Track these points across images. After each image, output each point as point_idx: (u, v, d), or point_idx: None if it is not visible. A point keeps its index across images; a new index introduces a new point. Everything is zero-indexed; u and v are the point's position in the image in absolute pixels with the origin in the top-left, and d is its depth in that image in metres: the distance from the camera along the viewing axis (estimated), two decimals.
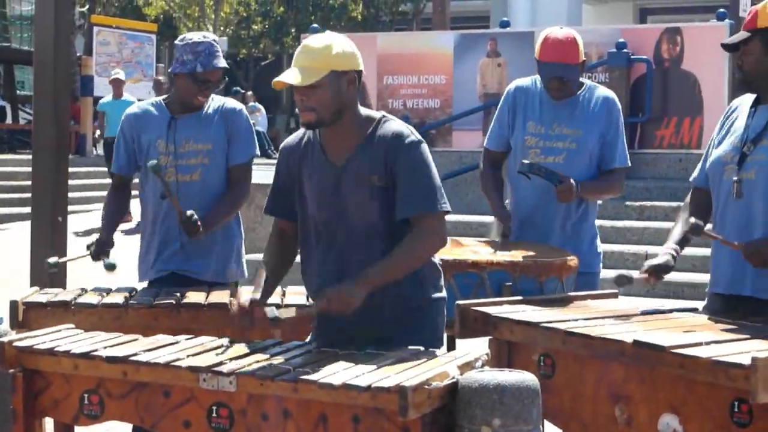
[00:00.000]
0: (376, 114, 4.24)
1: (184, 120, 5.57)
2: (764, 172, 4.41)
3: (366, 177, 4.13)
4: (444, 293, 4.32)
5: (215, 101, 5.64)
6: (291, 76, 4.08)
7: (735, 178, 4.47)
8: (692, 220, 4.50)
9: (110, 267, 5.51)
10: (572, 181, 5.40)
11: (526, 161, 5.48)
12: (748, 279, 4.46)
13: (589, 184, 5.56)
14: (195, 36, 5.58)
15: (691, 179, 4.85)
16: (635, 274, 4.70)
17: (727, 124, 4.68)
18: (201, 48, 5.50)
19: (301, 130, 4.34)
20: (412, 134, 4.17)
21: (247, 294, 4.24)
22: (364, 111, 4.22)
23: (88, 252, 5.60)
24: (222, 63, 5.56)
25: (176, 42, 5.62)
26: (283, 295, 5.08)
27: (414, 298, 4.20)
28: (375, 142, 4.15)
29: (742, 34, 4.53)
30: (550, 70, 5.52)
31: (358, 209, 4.16)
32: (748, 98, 4.65)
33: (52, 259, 5.89)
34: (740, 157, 4.48)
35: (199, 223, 5.33)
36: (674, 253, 4.73)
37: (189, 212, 5.31)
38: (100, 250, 5.58)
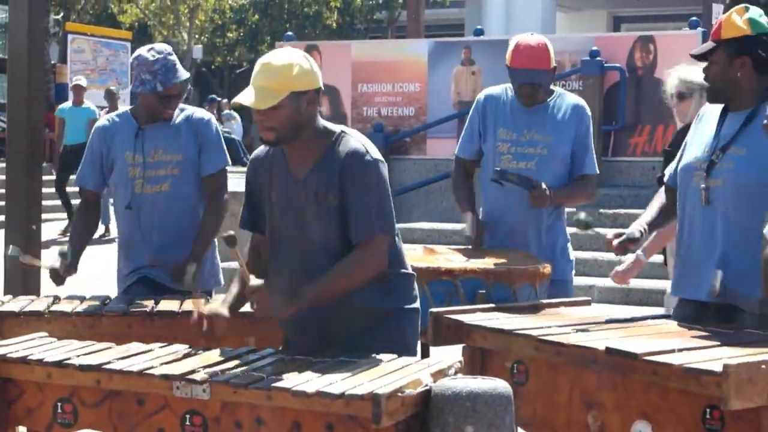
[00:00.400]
0: (336, 128, 4.21)
1: (152, 130, 5.53)
2: (732, 180, 4.44)
3: (323, 194, 4.13)
4: (417, 304, 4.31)
5: (184, 111, 5.60)
6: (249, 98, 4.05)
7: (703, 185, 4.49)
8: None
9: (63, 255, 5.39)
10: (545, 186, 5.42)
11: (498, 168, 5.50)
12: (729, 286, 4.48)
13: (562, 189, 5.58)
14: (149, 54, 5.49)
15: (666, 177, 4.86)
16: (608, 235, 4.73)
17: (698, 130, 4.71)
18: (157, 66, 5.44)
19: None
20: (368, 153, 4.13)
21: (215, 303, 4.26)
22: (324, 125, 4.20)
23: (52, 270, 5.48)
24: (182, 75, 5.51)
25: (131, 61, 5.56)
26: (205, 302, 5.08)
27: (381, 308, 4.19)
28: (332, 159, 4.14)
29: (708, 45, 4.58)
30: (522, 77, 5.54)
31: (315, 225, 4.16)
32: (716, 106, 4.68)
33: (14, 251, 5.81)
34: (708, 165, 4.51)
35: (181, 268, 5.34)
36: (642, 230, 4.75)
37: (175, 270, 5.33)
38: (63, 274, 5.47)
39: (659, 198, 4.88)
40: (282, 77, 4.04)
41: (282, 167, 4.22)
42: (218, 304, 4.33)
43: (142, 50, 5.54)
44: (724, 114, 4.60)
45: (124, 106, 6.45)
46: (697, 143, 4.65)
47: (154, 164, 5.51)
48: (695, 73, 5.96)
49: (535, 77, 5.52)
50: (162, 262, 5.45)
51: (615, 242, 4.70)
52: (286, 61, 4.07)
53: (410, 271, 4.32)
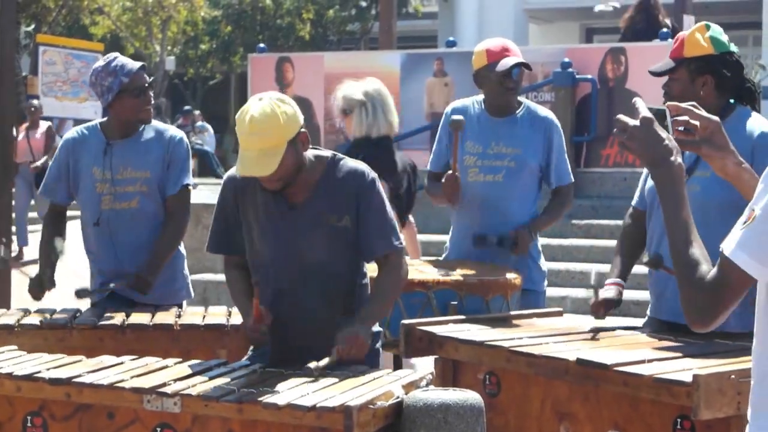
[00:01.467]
0: (326, 153, 4.27)
1: (121, 146, 5.48)
2: (698, 202, 4.44)
3: (326, 216, 4.17)
4: (378, 327, 4.36)
5: (152, 128, 5.55)
6: (256, 168, 4.03)
7: None
8: (653, 254, 4.56)
9: (83, 293, 5.36)
10: (521, 231, 5.46)
11: (476, 235, 5.53)
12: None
13: (538, 221, 5.64)
14: (98, 62, 5.51)
15: (633, 203, 4.89)
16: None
17: None
18: (112, 66, 5.42)
19: None
20: (370, 172, 4.23)
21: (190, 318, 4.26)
22: (311, 151, 4.23)
23: (32, 285, 5.47)
24: (137, 64, 5.49)
25: (89, 79, 5.50)
26: (229, 314, 5.07)
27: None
28: (335, 182, 4.19)
29: (668, 63, 4.60)
30: (510, 61, 5.53)
31: (308, 248, 4.18)
32: None
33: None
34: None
35: (145, 278, 5.30)
36: (619, 288, 4.79)
37: (135, 280, 5.29)
38: (40, 290, 5.45)
39: (626, 238, 4.89)
40: (275, 134, 4.03)
41: (268, 194, 4.20)
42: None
43: (94, 65, 5.54)
44: None
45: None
46: None
47: (123, 181, 5.44)
48: (355, 89, 6.04)
49: (522, 63, 5.53)
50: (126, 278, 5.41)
51: (593, 309, 4.75)
52: (269, 113, 4.02)
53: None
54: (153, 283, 5.32)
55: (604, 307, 4.72)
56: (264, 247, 4.23)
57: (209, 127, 27.98)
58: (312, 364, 3.89)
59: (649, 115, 2.75)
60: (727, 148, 2.99)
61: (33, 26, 29.96)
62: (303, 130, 4.14)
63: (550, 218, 5.76)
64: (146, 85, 5.46)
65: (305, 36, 32.90)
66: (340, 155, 4.28)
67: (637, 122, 2.74)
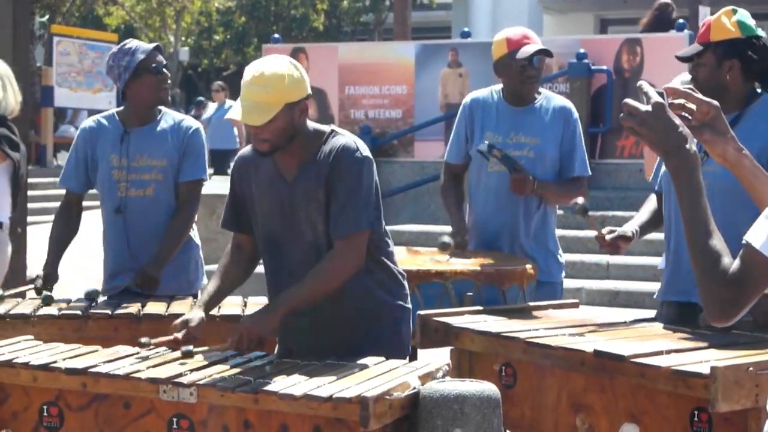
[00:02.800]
0: (326, 128, 4.23)
1: (137, 133, 5.51)
2: (717, 184, 4.42)
3: (314, 192, 4.14)
4: (409, 303, 4.33)
5: (170, 117, 5.58)
6: (244, 114, 4.03)
7: None
8: (581, 200, 4.57)
9: (47, 300, 5.24)
10: (529, 175, 5.42)
11: (486, 142, 5.48)
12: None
13: (548, 183, 5.56)
14: (115, 48, 5.56)
15: (652, 182, 4.89)
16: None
17: None
18: (127, 47, 5.48)
19: None
20: (358, 150, 4.14)
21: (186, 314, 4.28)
22: (314, 126, 4.21)
23: (33, 286, 5.45)
24: (152, 45, 5.55)
25: (106, 64, 5.52)
26: (245, 305, 5.07)
27: (373, 308, 4.20)
28: (322, 157, 4.15)
29: (696, 47, 4.59)
30: (531, 49, 5.51)
31: (307, 224, 4.17)
32: None
33: None
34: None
35: (150, 275, 5.31)
36: (634, 231, 4.77)
37: (137, 279, 5.30)
38: (44, 285, 5.44)
39: (650, 202, 4.89)
40: (275, 90, 4.03)
41: (270, 169, 4.23)
42: (190, 311, 4.33)
43: (110, 53, 5.57)
44: None
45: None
46: None
47: (139, 168, 5.48)
48: None
49: (544, 50, 5.52)
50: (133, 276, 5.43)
51: (607, 237, 4.71)
52: (277, 72, 4.05)
53: (401, 270, 4.34)
54: (159, 279, 5.33)
55: (618, 239, 4.70)
56: (268, 221, 4.24)
57: None
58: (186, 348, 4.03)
59: (661, 99, 2.67)
60: (728, 133, 2.95)
61: (47, 17, 30.02)
62: (305, 100, 4.13)
63: (559, 189, 5.62)
64: (161, 62, 5.48)
65: (319, 27, 32.92)
66: (338, 131, 4.22)
67: (648, 107, 2.67)
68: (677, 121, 2.64)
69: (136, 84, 5.46)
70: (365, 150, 4.17)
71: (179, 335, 4.16)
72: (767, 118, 4.49)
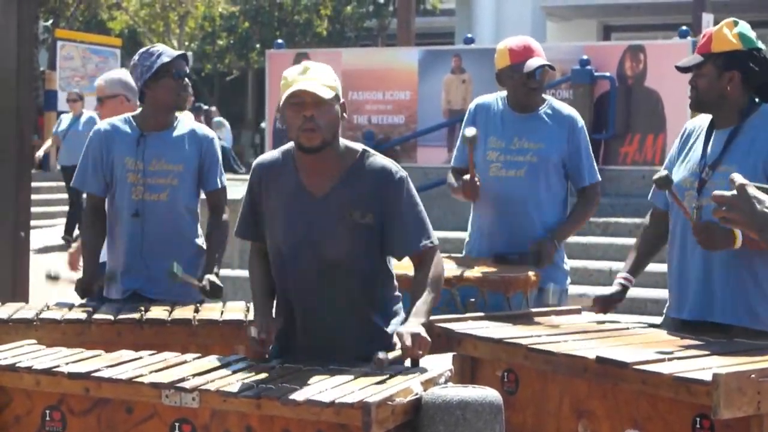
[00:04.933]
0: (357, 146, 4.22)
1: (154, 138, 5.51)
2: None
3: (348, 211, 4.12)
4: (403, 315, 4.33)
5: (186, 123, 5.60)
6: (316, 86, 4.02)
7: (695, 204, 4.52)
8: (662, 172, 4.52)
9: (174, 275, 5.26)
10: (543, 243, 5.44)
11: (497, 256, 5.52)
12: (716, 305, 4.52)
13: (563, 228, 5.61)
14: (140, 52, 5.57)
15: (649, 197, 4.91)
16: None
17: (684, 148, 4.73)
18: (154, 49, 5.50)
19: (276, 150, 4.30)
20: (399, 170, 4.18)
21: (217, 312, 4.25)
22: (344, 142, 4.20)
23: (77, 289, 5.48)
24: (175, 52, 5.56)
25: (132, 62, 5.54)
26: (247, 310, 5.07)
27: (377, 333, 4.19)
28: (361, 176, 4.14)
29: (696, 58, 4.59)
30: (535, 63, 5.52)
31: (330, 241, 4.13)
32: (703, 121, 4.70)
33: (54, 272, 5.72)
34: (699, 183, 4.53)
35: (218, 284, 5.37)
36: (625, 283, 4.83)
37: (205, 282, 5.34)
38: (88, 288, 5.45)
39: (642, 237, 4.93)
40: (330, 77, 4.10)
41: (293, 182, 4.19)
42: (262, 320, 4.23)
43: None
44: (710, 131, 4.62)
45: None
46: (685, 162, 4.67)
47: (154, 173, 5.48)
48: None
49: (548, 65, 5.53)
50: (155, 271, 5.43)
51: (597, 305, 4.78)
52: (324, 67, 4.13)
53: (398, 293, 4.35)
54: (222, 287, 5.42)
55: (601, 309, 4.79)
56: (285, 235, 4.19)
57: (226, 122, 28.04)
58: (381, 354, 3.84)
59: (744, 180, 2.69)
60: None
61: (51, 21, 30.07)
62: (344, 101, 4.17)
63: (575, 223, 5.70)
64: (183, 69, 5.50)
65: (323, 32, 32.94)
66: (371, 151, 4.22)
67: (733, 191, 2.69)
68: (762, 196, 2.66)
69: (156, 86, 5.46)
70: (402, 169, 4.23)
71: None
72: (766, 131, 4.49)
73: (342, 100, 4.15)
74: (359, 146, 4.23)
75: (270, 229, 4.25)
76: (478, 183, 5.55)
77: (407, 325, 4.03)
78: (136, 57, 5.54)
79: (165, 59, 5.44)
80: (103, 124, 5.66)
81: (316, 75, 4.07)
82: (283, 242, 4.20)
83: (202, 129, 5.63)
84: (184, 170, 5.51)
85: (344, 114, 4.16)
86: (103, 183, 5.57)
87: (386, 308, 4.25)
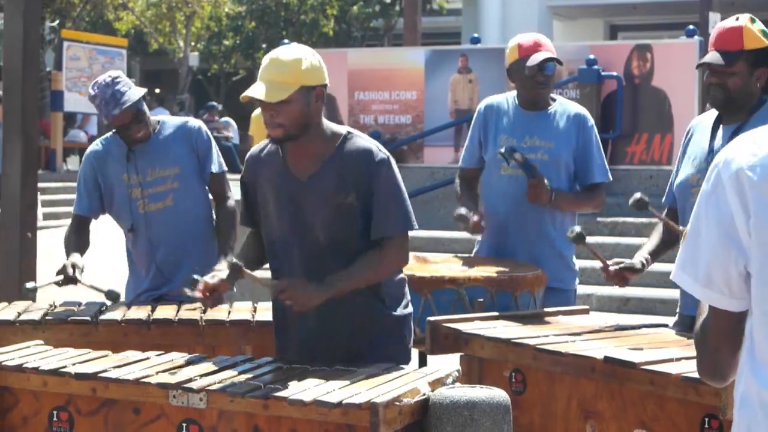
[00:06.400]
0: (342, 129, 4.22)
1: (142, 149, 5.51)
2: None
3: (331, 194, 4.12)
4: (410, 309, 4.32)
5: (169, 124, 5.60)
6: (260, 92, 4.04)
7: None
8: (636, 195, 4.54)
9: (112, 296, 5.30)
10: (546, 182, 5.41)
11: (509, 145, 5.46)
12: None
13: (565, 192, 5.55)
14: (91, 89, 5.45)
15: (663, 201, 4.89)
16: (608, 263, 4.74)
17: (690, 145, 4.71)
18: (98, 101, 5.42)
19: (266, 141, 4.34)
20: (381, 151, 4.15)
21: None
22: (329, 125, 4.21)
23: (60, 277, 5.41)
24: (123, 105, 5.36)
25: (91, 95, 5.45)
26: (254, 310, 5.08)
27: (377, 315, 4.19)
28: (342, 159, 4.14)
29: (720, 56, 4.43)
30: (540, 56, 5.50)
31: (320, 224, 4.15)
32: (706, 119, 4.67)
33: (30, 284, 5.72)
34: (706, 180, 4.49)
35: (237, 262, 5.34)
36: (644, 261, 4.76)
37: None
38: (73, 272, 5.39)
39: (663, 228, 4.87)
40: (292, 71, 4.05)
41: (279, 168, 4.22)
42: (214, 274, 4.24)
43: (94, 81, 5.50)
44: (715, 127, 4.58)
45: None
46: (691, 159, 4.65)
47: (153, 182, 5.50)
48: None
49: (553, 59, 5.51)
50: (169, 276, 5.45)
51: (612, 269, 4.69)
52: (296, 55, 4.08)
53: (403, 276, 4.33)
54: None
55: (626, 271, 4.69)
56: (277, 220, 4.23)
57: (233, 122, 28.04)
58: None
59: None
60: None
61: (57, 21, 30.09)
62: (323, 86, 4.13)
63: (576, 198, 5.62)
64: (128, 122, 5.41)
65: (329, 32, 32.95)
66: (355, 132, 4.22)
67: None
68: None
69: (118, 130, 5.48)
70: (385, 150, 4.20)
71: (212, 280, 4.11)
72: None
73: (317, 85, 4.10)
74: (343, 129, 4.24)
75: (264, 216, 4.29)
76: (483, 224, 5.54)
77: (307, 283, 4.04)
78: (92, 90, 5.42)
79: (105, 122, 5.39)
80: (93, 146, 5.68)
81: (273, 71, 4.07)
82: (277, 227, 4.23)
83: (188, 121, 5.65)
84: (181, 171, 5.52)
85: (320, 100, 4.12)
86: (98, 206, 5.62)
87: (383, 288, 4.23)
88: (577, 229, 4.76)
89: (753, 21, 4.49)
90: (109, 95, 5.37)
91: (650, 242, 4.86)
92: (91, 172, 5.59)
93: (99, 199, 5.59)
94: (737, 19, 4.50)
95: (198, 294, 4.13)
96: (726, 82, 4.48)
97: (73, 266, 5.40)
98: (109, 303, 5.24)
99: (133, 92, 5.41)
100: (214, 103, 28.39)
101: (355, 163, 4.12)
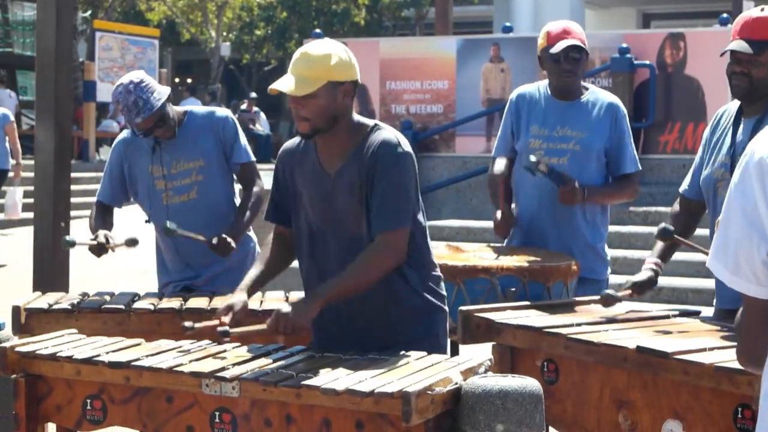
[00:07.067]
0: (369, 122, 4.22)
1: (168, 141, 5.52)
2: None
3: (356, 185, 4.13)
4: (445, 305, 4.32)
5: (197, 115, 5.60)
6: (286, 85, 4.06)
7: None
8: (662, 225, 4.55)
9: (132, 243, 5.36)
10: (577, 184, 5.40)
11: (533, 158, 5.45)
12: None
13: (597, 188, 5.54)
14: (114, 91, 5.43)
15: (681, 189, 4.88)
16: (620, 292, 4.75)
17: (713, 138, 4.69)
18: (120, 107, 5.40)
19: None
20: (400, 146, 4.13)
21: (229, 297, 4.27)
22: (358, 119, 4.21)
23: (96, 242, 5.42)
24: (145, 113, 5.34)
25: (114, 100, 5.46)
26: (286, 299, 5.09)
27: (411, 306, 4.20)
28: (365, 151, 4.14)
29: (748, 45, 4.40)
30: (564, 44, 5.48)
31: (349, 217, 4.16)
32: (732, 107, 4.64)
33: (69, 238, 5.72)
34: (731, 173, 4.48)
35: (228, 240, 5.35)
36: (656, 268, 4.78)
37: (214, 240, 5.34)
38: (105, 238, 5.40)
39: (672, 223, 4.87)
40: (320, 66, 4.06)
41: (312, 161, 4.23)
42: (233, 296, 4.32)
43: (117, 89, 5.44)
44: (737, 120, 4.56)
45: None
46: (715, 153, 4.63)
47: (178, 174, 5.52)
48: None
49: (576, 47, 5.48)
50: (195, 267, 5.47)
51: (625, 293, 4.73)
52: (325, 51, 4.09)
53: (439, 273, 4.33)
54: (233, 246, 5.40)
55: (636, 293, 4.72)
56: (313, 213, 4.24)
57: (262, 113, 28.16)
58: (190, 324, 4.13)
59: None
60: None
61: (90, 12, 30.21)
62: (352, 83, 4.13)
63: (608, 189, 5.61)
64: (152, 127, 5.41)
65: (360, 21, 32.97)
66: (381, 125, 4.22)
67: None
68: None
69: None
70: (406, 145, 4.16)
71: (225, 319, 4.16)
72: None
73: (345, 81, 4.11)
74: (371, 122, 4.23)
75: (298, 209, 4.29)
76: (509, 225, 5.58)
77: (293, 303, 4.08)
78: (115, 95, 5.40)
79: (138, 121, 5.36)
80: (122, 135, 5.71)
81: (301, 65, 4.09)
82: (313, 219, 4.24)
83: (215, 112, 5.65)
84: (206, 164, 5.53)
85: (348, 96, 4.13)
86: (122, 195, 5.66)
87: (413, 275, 4.22)
88: (662, 226, 4.72)
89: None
90: (132, 102, 5.35)
91: (659, 243, 4.85)
92: (118, 160, 5.61)
93: (122, 189, 5.62)
94: (762, 9, 4.47)
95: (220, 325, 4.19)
96: (751, 72, 4.45)
97: (106, 236, 5.43)
98: (130, 247, 5.28)
99: (156, 97, 5.38)
100: (253, 94, 28.47)
101: (374, 154, 4.12)
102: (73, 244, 5.51)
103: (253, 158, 5.68)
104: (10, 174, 15.35)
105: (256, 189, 5.61)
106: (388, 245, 4.11)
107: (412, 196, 4.15)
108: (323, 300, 4.07)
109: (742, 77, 4.47)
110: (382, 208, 4.10)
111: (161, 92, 5.42)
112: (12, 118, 15.43)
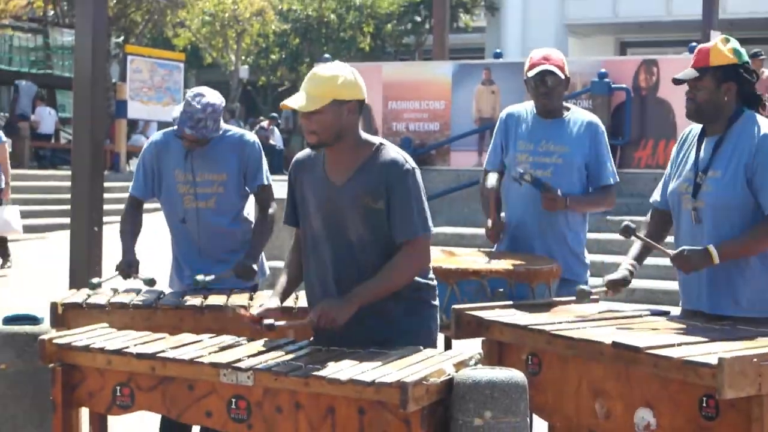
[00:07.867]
0: (375, 140, 4.22)
1: (200, 152, 5.50)
2: (711, 201, 4.47)
3: (363, 198, 4.12)
4: (437, 302, 4.32)
5: (231, 133, 5.57)
6: (297, 101, 4.08)
7: (691, 207, 4.51)
8: (624, 222, 4.57)
9: (150, 283, 5.36)
10: (559, 192, 5.41)
11: (520, 169, 5.47)
12: (703, 296, 4.51)
13: (578, 197, 5.55)
14: (191, 94, 5.46)
15: (651, 200, 4.89)
16: (597, 288, 4.76)
17: (680, 155, 4.72)
18: (183, 109, 5.40)
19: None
20: (407, 163, 4.15)
21: (262, 300, 4.26)
22: (364, 136, 4.21)
23: (118, 273, 5.46)
24: (196, 134, 5.36)
25: (187, 101, 5.44)
26: (297, 298, 5.09)
27: (406, 303, 4.19)
28: (374, 167, 4.14)
29: (693, 72, 4.53)
30: (539, 69, 5.50)
31: (351, 226, 4.15)
32: (696, 128, 4.69)
33: (95, 280, 5.73)
34: (694, 188, 4.52)
35: (249, 265, 5.38)
36: (631, 268, 4.78)
37: (240, 268, 5.36)
38: (129, 269, 5.44)
39: (647, 230, 4.87)
40: (326, 86, 4.07)
41: (320, 172, 4.23)
42: (267, 298, 4.33)
43: (195, 94, 5.46)
44: (701, 138, 4.61)
45: None
46: (682, 167, 4.66)
47: (202, 183, 5.50)
48: None
49: (549, 72, 5.48)
50: (211, 267, 5.46)
51: (610, 294, 4.76)
52: (333, 72, 4.10)
53: (431, 274, 4.33)
54: (255, 270, 5.42)
55: (612, 290, 4.72)
56: (316, 219, 4.23)
57: (276, 129, 28.22)
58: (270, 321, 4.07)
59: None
60: None
61: (122, 38, 30.25)
62: (357, 102, 4.12)
63: (588, 200, 5.61)
64: (191, 141, 5.42)
65: (365, 48, 32.96)
66: (386, 143, 4.22)
67: None
68: None
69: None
70: (412, 162, 4.19)
71: (267, 321, 4.14)
72: (748, 136, 4.47)
73: (350, 99, 4.10)
74: (377, 140, 4.23)
75: (304, 214, 4.29)
76: (498, 232, 5.60)
77: (329, 301, 4.08)
78: (189, 98, 5.42)
79: (187, 132, 5.37)
80: (157, 135, 5.70)
81: (311, 84, 4.10)
82: (314, 226, 4.24)
83: (244, 135, 5.61)
84: (227, 179, 5.52)
85: (353, 113, 4.12)
86: (151, 190, 5.63)
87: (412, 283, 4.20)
88: (624, 222, 4.71)
89: (727, 41, 4.56)
90: (196, 118, 5.36)
91: (635, 247, 4.87)
92: (150, 159, 5.61)
93: (153, 185, 5.62)
94: (727, 40, 4.58)
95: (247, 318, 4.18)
96: (696, 95, 4.55)
97: (128, 265, 5.44)
98: (146, 288, 5.28)
99: (213, 128, 5.42)
100: (275, 114, 28.54)
101: (385, 171, 4.12)
102: (99, 285, 5.48)
103: (271, 182, 5.65)
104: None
105: (271, 211, 5.58)
106: (414, 252, 4.13)
107: (426, 205, 4.17)
108: (361, 300, 4.07)
109: (690, 101, 4.58)
110: (403, 220, 4.11)
111: (219, 128, 5.47)
112: (4, 139, 13.96)
